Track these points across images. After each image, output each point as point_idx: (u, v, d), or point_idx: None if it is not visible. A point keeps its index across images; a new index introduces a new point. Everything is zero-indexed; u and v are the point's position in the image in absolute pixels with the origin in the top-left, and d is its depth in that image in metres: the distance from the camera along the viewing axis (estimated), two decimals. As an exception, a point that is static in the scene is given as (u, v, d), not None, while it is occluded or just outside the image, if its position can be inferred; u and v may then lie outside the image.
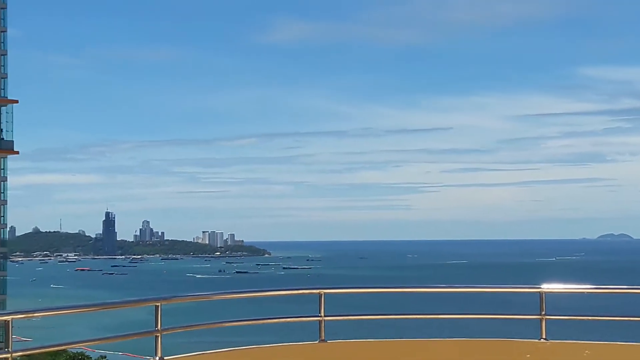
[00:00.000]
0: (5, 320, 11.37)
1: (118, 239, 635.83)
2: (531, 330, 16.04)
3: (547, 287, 15.68)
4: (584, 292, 17.64)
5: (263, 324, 16.97)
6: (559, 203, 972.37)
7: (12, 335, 11.31)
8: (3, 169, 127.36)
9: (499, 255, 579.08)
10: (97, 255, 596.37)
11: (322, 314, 15.19)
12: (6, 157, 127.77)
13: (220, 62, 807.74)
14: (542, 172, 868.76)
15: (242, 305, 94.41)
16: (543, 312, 15.63)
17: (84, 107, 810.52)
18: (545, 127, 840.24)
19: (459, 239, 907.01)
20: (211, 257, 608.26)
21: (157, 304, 13.14)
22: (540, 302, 15.65)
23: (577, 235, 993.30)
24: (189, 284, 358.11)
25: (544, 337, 15.75)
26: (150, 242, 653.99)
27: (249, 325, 16.47)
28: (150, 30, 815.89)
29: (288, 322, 16.85)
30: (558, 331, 16.15)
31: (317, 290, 15.33)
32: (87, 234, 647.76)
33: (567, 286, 16.71)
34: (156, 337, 13.15)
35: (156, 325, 13.10)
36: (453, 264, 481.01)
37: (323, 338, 15.28)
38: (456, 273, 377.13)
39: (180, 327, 13.85)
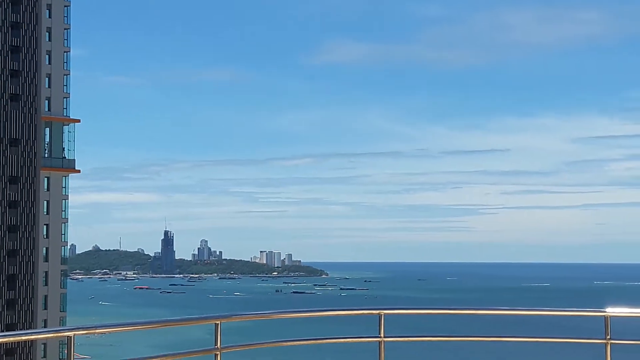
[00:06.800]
0: (68, 336, 11.38)
1: (176, 258, 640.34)
2: (595, 355, 15.71)
3: (612, 310, 15.32)
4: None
5: (322, 344, 16.84)
6: (623, 227, 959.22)
7: (74, 351, 11.33)
8: (65, 187, 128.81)
9: (567, 279, 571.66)
10: (156, 274, 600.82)
11: (382, 335, 15.01)
12: (68, 176, 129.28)
13: (278, 83, 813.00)
14: (605, 195, 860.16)
15: (300, 325, 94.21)
16: (608, 337, 15.27)
17: (142, 127, 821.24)
18: (608, 149, 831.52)
19: (520, 261, 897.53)
20: (268, 277, 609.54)
21: (217, 322, 13.07)
22: (605, 326, 15.30)
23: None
24: (246, 304, 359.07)
25: (608, 361, 15.40)
26: (208, 262, 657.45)
27: (308, 345, 16.36)
28: (209, 52, 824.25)
29: (347, 342, 16.70)
30: (623, 357, 15.81)
31: (377, 311, 15.16)
32: (146, 253, 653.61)
33: (633, 310, 16.32)
34: (215, 355, 13.09)
35: (216, 344, 13.05)
36: (526, 287, 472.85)
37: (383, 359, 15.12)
38: (520, 296, 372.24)
39: (239, 346, 13.76)
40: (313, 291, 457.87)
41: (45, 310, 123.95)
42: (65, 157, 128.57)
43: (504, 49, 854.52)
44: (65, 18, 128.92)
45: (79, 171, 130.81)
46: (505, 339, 16.60)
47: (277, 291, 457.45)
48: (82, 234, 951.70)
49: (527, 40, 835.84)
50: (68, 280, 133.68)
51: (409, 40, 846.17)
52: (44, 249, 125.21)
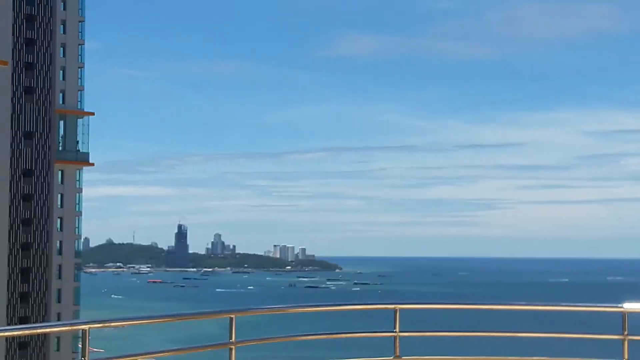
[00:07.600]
0: (83, 329, 11.32)
1: (190, 252, 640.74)
2: (612, 351, 15.57)
3: (630, 306, 15.18)
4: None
5: (336, 338, 16.75)
6: (639, 221, 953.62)
7: (89, 344, 11.27)
8: (78, 180, 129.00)
9: (585, 274, 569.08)
10: (169, 268, 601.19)
11: (397, 330, 14.91)
12: (82, 169, 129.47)
13: (292, 76, 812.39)
14: (622, 190, 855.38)
15: (314, 320, 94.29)
16: (625, 332, 15.14)
17: (155, 120, 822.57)
18: (625, 143, 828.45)
19: (536, 256, 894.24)
20: (282, 271, 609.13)
21: (232, 316, 13.02)
22: (623, 321, 15.17)
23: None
24: (260, 298, 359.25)
25: (626, 358, 15.26)
26: (221, 255, 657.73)
27: (322, 339, 16.28)
28: (222, 45, 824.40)
29: (362, 337, 16.60)
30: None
31: (393, 306, 15.06)
32: (159, 246, 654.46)
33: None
34: (230, 349, 13.03)
35: (230, 338, 12.99)
36: (545, 282, 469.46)
37: (398, 354, 14.99)
38: (539, 292, 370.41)
39: (254, 340, 13.69)
40: (327, 285, 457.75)
41: (59, 304, 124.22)
42: (79, 150, 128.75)
43: (517, 42, 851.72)
44: (80, 10, 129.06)
45: (92, 164, 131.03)
46: (522, 334, 16.50)
47: (290, 285, 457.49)
48: (95, 227, 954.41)
49: (542, 33, 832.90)
50: (82, 273, 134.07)
51: (422, 33, 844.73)
52: (58, 242, 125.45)
